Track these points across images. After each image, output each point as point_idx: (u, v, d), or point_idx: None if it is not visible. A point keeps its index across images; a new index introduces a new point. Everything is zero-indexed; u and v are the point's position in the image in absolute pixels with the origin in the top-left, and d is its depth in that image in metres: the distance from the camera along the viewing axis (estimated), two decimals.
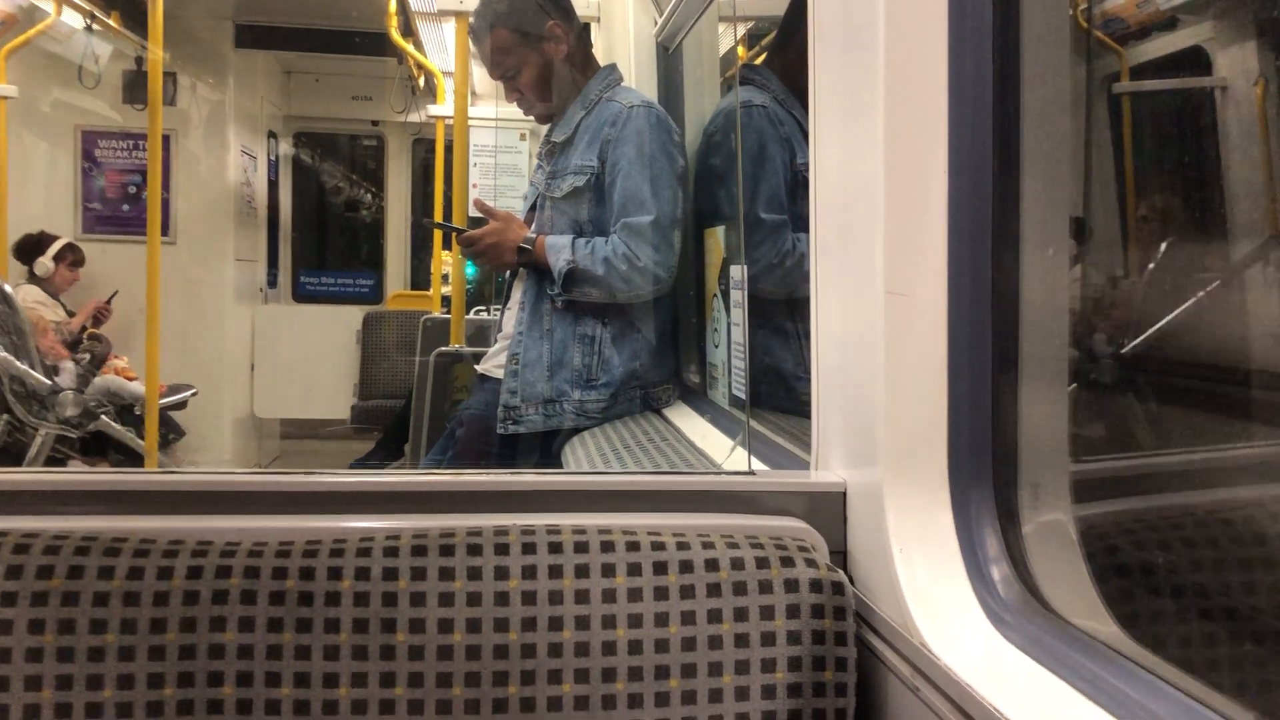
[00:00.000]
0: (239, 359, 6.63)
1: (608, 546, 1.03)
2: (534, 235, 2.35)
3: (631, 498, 1.15)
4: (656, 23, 2.87)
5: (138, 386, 4.99)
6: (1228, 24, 1.56)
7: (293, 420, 7.13)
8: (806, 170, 1.80)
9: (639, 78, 2.85)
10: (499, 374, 2.41)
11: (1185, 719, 0.77)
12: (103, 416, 4.72)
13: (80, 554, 0.99)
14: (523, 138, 5.62)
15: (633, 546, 1.04)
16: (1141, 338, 1.49)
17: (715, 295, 2.28)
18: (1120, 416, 1.33)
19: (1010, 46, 1.03)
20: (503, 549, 1.02)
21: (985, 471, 1.03)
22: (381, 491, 1.14)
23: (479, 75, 5.51)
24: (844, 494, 1.15)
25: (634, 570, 1.02)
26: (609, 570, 1.02)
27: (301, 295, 7.66)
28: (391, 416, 5.53)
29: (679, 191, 2.32)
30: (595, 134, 2.34)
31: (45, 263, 5.80)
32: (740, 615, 1.02)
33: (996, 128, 1.03)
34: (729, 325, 2.14)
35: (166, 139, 5.62)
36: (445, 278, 7.07)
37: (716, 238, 2.32)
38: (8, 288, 4.72)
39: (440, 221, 2.92)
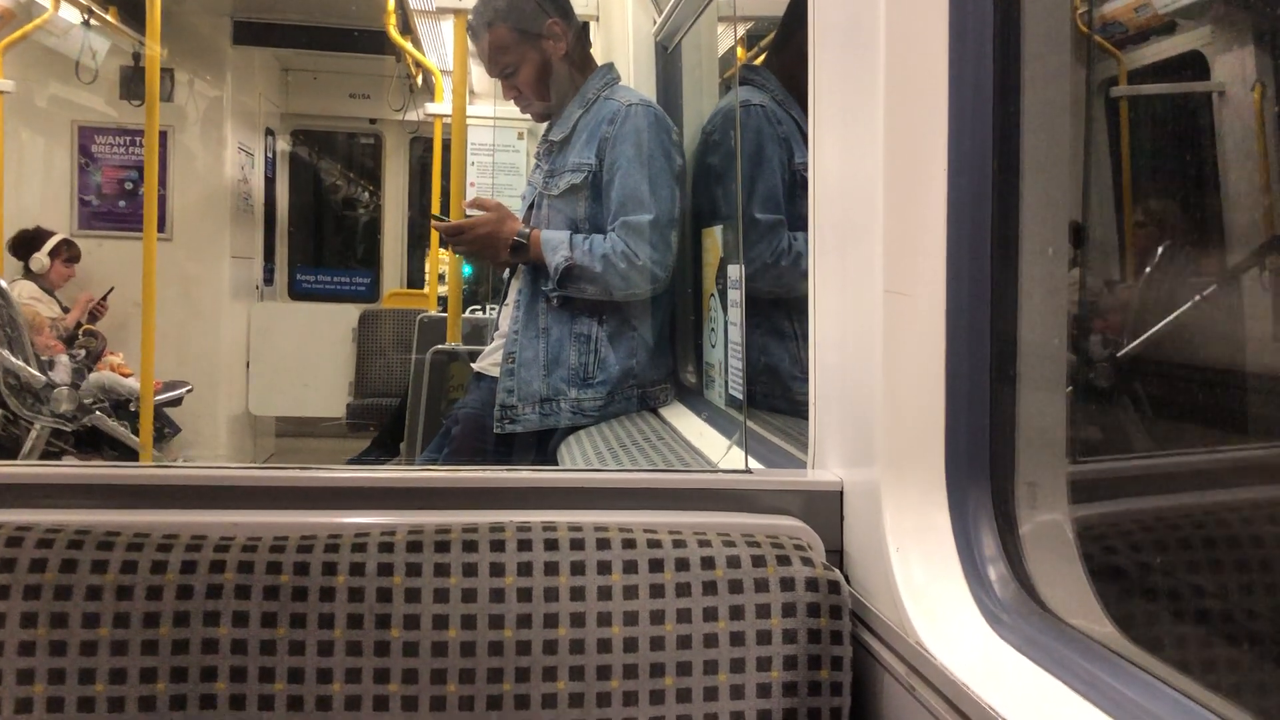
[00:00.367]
0: (234, 356, 6.63)
1: (604, 544, 1.03)
2: (528, 230, 2.34)
3: (628, 495, 1.15)
4: (655, 22, 2.87)
5: (133, 383, 4.99)
6: (1225, 29, 1.56)
7: (288, 418, 7.13)
8: (804, 170, 1.80)
9: (638, 77, 2.85)
10: (495, 372, 2.41)
11: (1181, 719, 0.77)
12: (97, 412, 4.72)
13: (74, 548, 0.99)
14: (520, 137, 5.62)
15: (629, 544, 1.04)
16: (1139, 340, 1.49)
17: (712, 294, 2.28)
18: (1117, 418, 1.33)
19: (1010, 48, 1.03)
20: (498, 545, 1.02)
21: (982, 471, 1.03)
22: (377, 487, 1.14)
23: (477, 74, 5.51)
24: (841, 493, 1.15)
25: (630, 568, 1.02)
26: (605, 567, 1.02)
27: (298, 293, 7.66)
28: (387, 415, 5.52)
29: (677, 191, 2.31)
30: (593, 132, 2.34)
31: (41, 258, 5.79)
32: (736, 613, 1.02)
33: (996, 128, 1.03)
34: (726, 324, 2.14)
35: (163, 135, 5.63)
36: (441, 277, 7.08)
37: (714, 237, 2.32)
38: (3, 283, 4.72)
39: (444, 217, 2.91)
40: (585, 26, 2.58)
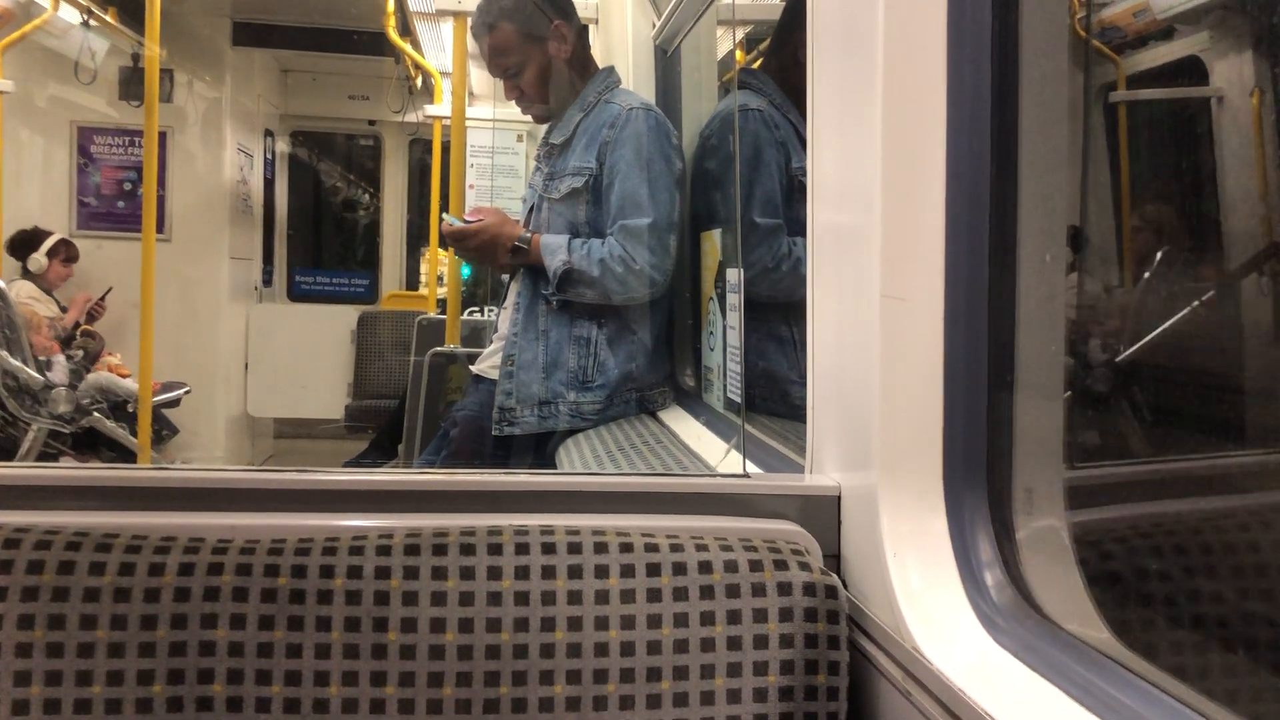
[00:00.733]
0: (233, 357, 6.63)
1: (601, 548, 1.03)
2: (529, 234, 2.34)
3: (625, 499, 1.15)
4: (655, 25, 2.87)
5: (131, 384, 4.99)
6: (1224, 34, 1.57)
7: (286, 419, 7.13)
8: (802, 175, 1.80)
9: (637, 80, 2.85)
10: (494, 375, 2.41)
11: None
12: (95, 413, 4.71)
13: (71, 549, 0.99)
14: (520, 139, 5.62)
15: (626, 548, 1.04)
16: (1137, 346, 1.49)
17: (711, 298, 2.28)
18: (1114, 423, 1.33)
19: (1009, 53, 1.04)
20: (496, 549, 1.02)
21: (980, 476, 1.03)
22: (375, 490, 1.14)
23: (477, 76, 5.51)
24: (838, 498, 1.15)
25: (627, 572, 1.02)
26: (602, 571, 1.02)
27: (296, 294, 7.65)
28: (385, 416, 5.52)
29: (676, 195, 2.32)
30: (593, 136, 2.34)
31: (39, 259, 5.79)
32: (733, 618, 1.02)
33: (995, 133, 1.03)
34: (725, 328, 2.14)
35: (162, 136, 5.62)
36: (439, 278, 7.09)
37: (712, 241, 2.32)
38: (1, 283, 4.71)
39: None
40: (585, 29, 2.58)
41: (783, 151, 2.18)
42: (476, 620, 0.99)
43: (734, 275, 2.09)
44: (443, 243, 2.75)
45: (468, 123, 4.15)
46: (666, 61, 2.85)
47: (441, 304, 5.34)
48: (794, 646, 1.02)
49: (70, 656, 0.96)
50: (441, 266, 6.02)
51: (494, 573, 1.01)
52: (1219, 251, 1.50)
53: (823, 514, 1.14)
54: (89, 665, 0.96)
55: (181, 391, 5.71)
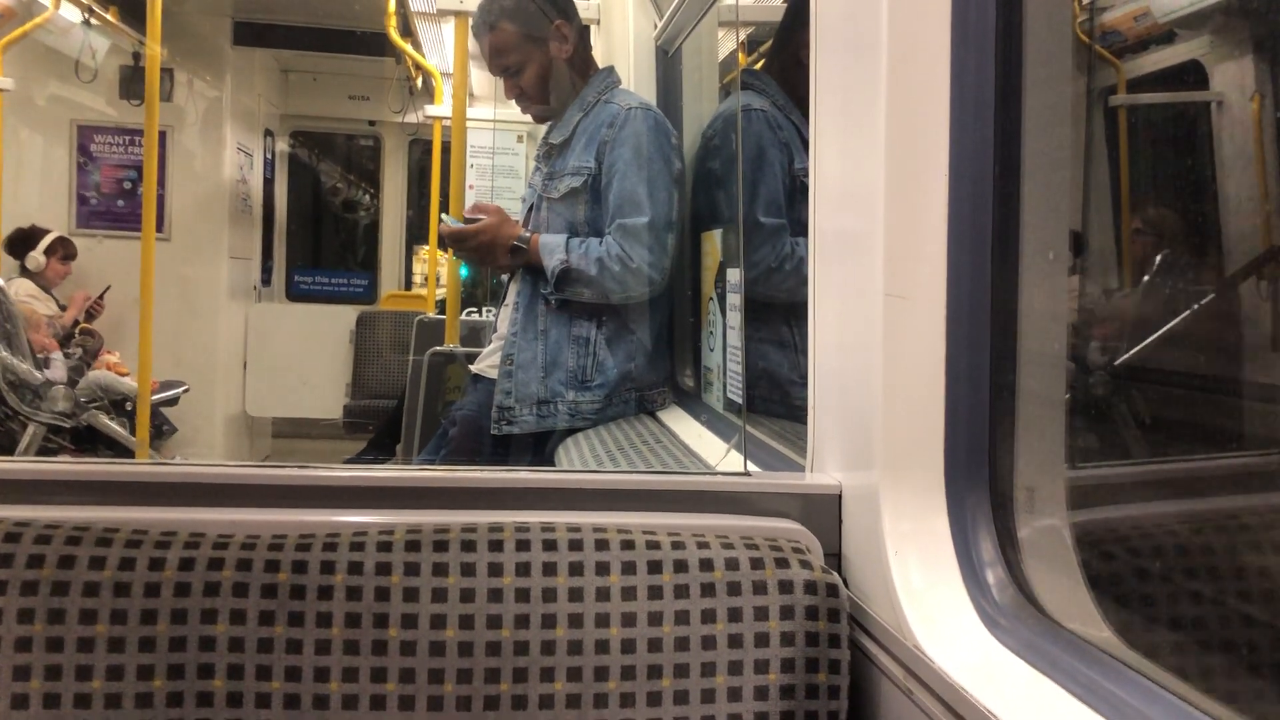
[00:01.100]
0: (232, 356, 6.62)
1: (602, 545, 1.03)
2: (528, 234, 2.35)
3: (627, 497, 1.15)
4: (656, 26, 2.87)
5: (129, 382, 4.98)
6: (1224, 39, 1.57)
7: (285, 419, 7.12)
8: (804, 175, 1.81)
9: (638, 81, 2.85)
10: (493, 374, 2.41)
11: None
12: (94, 410, 4.71)
13: (71, 544, 0.99)
14: (520, 140, 5.62)
15: (627, 545, 1.04)
16: (1138, 347, 1.49)
17: (711, 298, 2.28)
18: (1116, 424, 1.34)
19: (1012, 55, 1.04)
20: (497, 545, 1.02)
21: (981, 475, 1.03)
22: (376, 487, 1.14)
23: (477, 76, 5.51)
24: (839, 496, 1.15)
25: (628, 569, 1.02)
26: (603, 568, 1.02)
27: (295, 294, 7.65)
28: (384, 416, 5.52)
29: (675, 194, 2.32)
30: (593, 136, 2.34)
31: (37, 257, 5.79)
32: (734, 616, 1.02)
33: (997, 134, 1.04)
34: (725, 328, 2.14)
35: (163, 135, 5.62)
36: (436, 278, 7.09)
37: (713, 241, 2.32)
38: (1, 281, 4.71)
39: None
40: (586, 29, 2.58)
41: (786, 152, 2.19)
42: (477, 617, 0.99)
43: (735, 275, 2.09)
44: (442, 244, 2.74)
45: (468, 123, 4.14)
46: (668, 62, 2.86)
47: (441, 304, 5.35)
48: (795, 645, 1.02)
49: (70, 651, 0.96)
50: (440, 267, 6.02)
51: (495, 569, 1.01)
52: (1218, 255, 1.50)
53: (824, 512, 1.14)
54: (89, 660, 0.96)
55: (180, 390, 5.71)
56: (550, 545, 1.03)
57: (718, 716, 1.00)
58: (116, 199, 6.40)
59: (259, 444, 7.02)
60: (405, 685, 0.98)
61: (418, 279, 8.07)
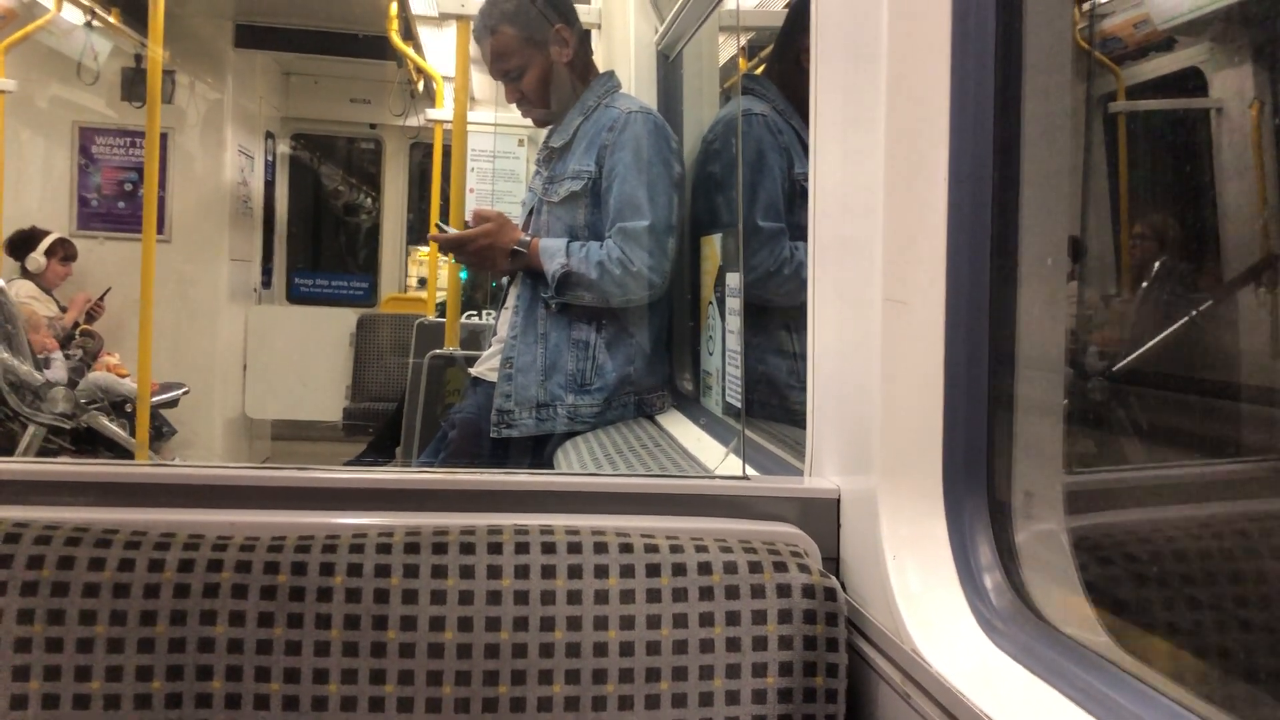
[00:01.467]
0: (232, 359, 6.62)
1: (601, 548, 1.04)
2: (528, 238, 2.35)
3: (626, 500, 1.15)
4: (657, 31, 2.87)
5: (129, 384, 4.98)
6: (1224, 46, 1.57)
7: (284, 421, 7.12)
8: (804, 180, 1.81)
9: (639, 85, 2.85)
10: (492, 377, 2.41)
11: None
12: (94, 412, 4.71)
13: (71, 545, 0.99)
14: (521, 143, 5.63)
15: (626, 548, 1.04)
16: (1136, 353, 1.49)
17: (710, 302, 2.28)
18: (1114, 430, 1.34)
19: (1012, 61, 1.04)
20: (496, 548, 1.02)
21: (979, 480, 1.03)
22: (376, 489, 1.14)
23: (478, 80, 5.51)
24: (838, 500, 1.15)
25: (626, 572, 1.02)
26: (602, 571, 1.02)
27: (296, 296, 7.66)
28: (384, 419, 5.52)
29: (675, 198, 2.32)
30: (593, 139, 2.34)
31: (37, 258, 5.79)
32: (732, 619, 1.02)
33: (997, 140, 1.04)
34: (724, 332, 2.14)
35: (164, 137, 5.62)
36: (422, 281, 7.08)
37: (713, 245, 2.32)
38: (1, 281, 4.71)
39: (450, 228, 2.93)
40: (587, 34, 2.59)
41: (785, 157, 2.19)
42: (476, 619, 0.99)
43: (734, 279, 2.09)
44: (443, 249, 2.75)
45: (469, 127, 4.15)
46: (669, 67, 2.86)
47: (441, 307, 5.35)
48: (793, 648, 1.03)
49: (69, 652, 0.96)
50: (440, 270, 6.02)
51: (494, 572, 1.01)
52: (1217, 261, 1.50)
53: (822, 517, 1.15)
54: (88, 660, 0.96)
55: (180, 392, 5.71)
56: (549, 548, 1.03)
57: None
58: (117, 201, 6.40)
59: (258, 446, 7.02)
60: (404, 687, 0.98)
61: (412, 281, 8.07)
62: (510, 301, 2.47)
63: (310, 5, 6.32)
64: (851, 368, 1.13)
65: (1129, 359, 1.48)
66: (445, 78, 5.96)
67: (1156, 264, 1.61)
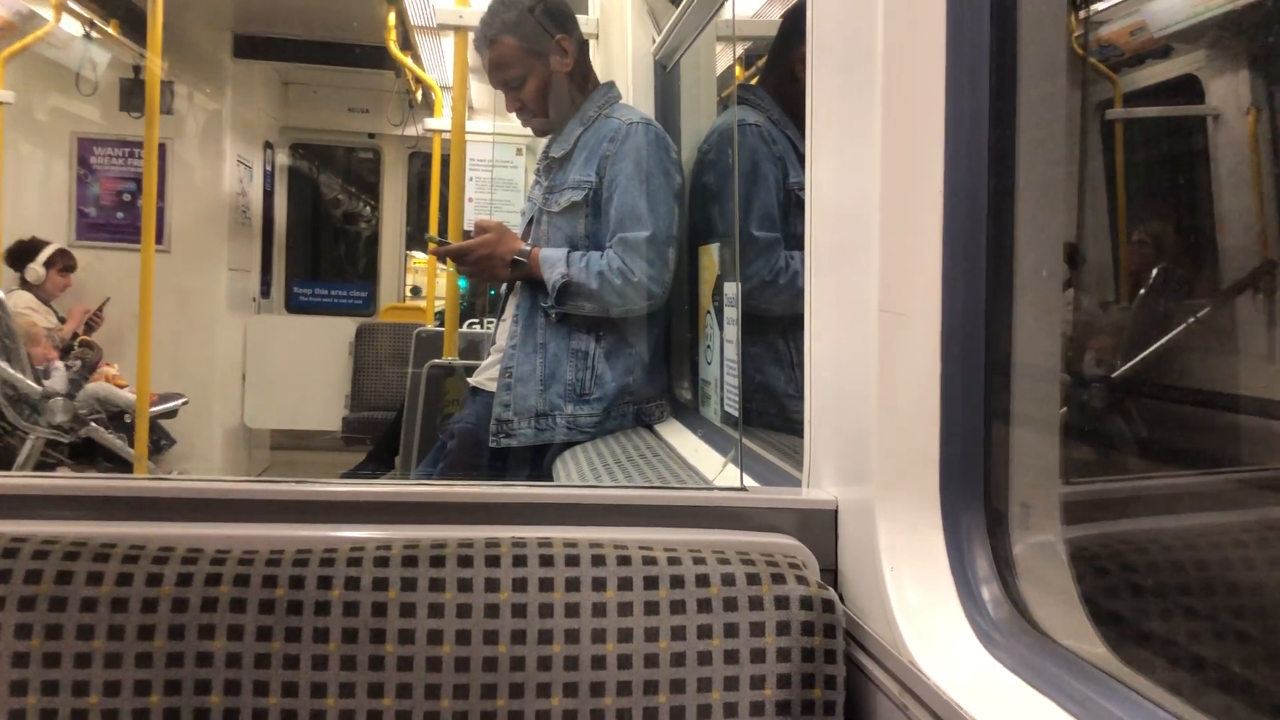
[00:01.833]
0: (231, 368, 6.62)
1: (599, 560, 1.03)
2: (528, 248, 2.35)
3: (623, 512, 1.15)
4: (655, 41, 2.88)
5: (128, 394, 4.98)
6: (1219, 53, 1.58)
7: (283, 431, 7.12)
8: (799, 189, 1.81)
9: (637, 95, 2.86)
10: (491, 387, 2.41)
11: None
12: (93, 423, 4.71)
13: (69, 559, 0.99)
14: (519, 153, 5.63)
15: (624, 561, 1.04)
16: (1133, 361, 1.49)
17: (709, 312, 2.28)
18: (1110, 439, 1.34)
19: (1007, 70, 1.04)
20: (493, 561, 1.02)
21: (976, 491, 1.03)
22: (373, 501, 1.14)
23: (477, 90, 5.52)
24: (835, 511, 1.15)
25: (624, 584, 1.02)
26: (599, 584, 1.02)
27: (295, 306, 7.65)
28: (383, 429, 5.52)
29: (675, 208, 2.33)
30: (594, 150, 2.35)
31: (36, 269, 5.79)
32: (730, 631, 1.02)
33: (992, 150, 1.04)
34: (722, 341, 2.14)
35: (162, 147, 5.62)
36: (417, 290, 7.07)
37: (710, 254, 2.33)
38: (0, 293, 4.72)
39: (445, 240, 2.94)
40: (586, 44, 2.59)
41: (780, 166, 2.20)
42: (474, 632, 0.99)
43: (731, 289, 2.09)
44: (442, 259, 2.75)
45: (467, 136, 4.15)
46: (666, 77, 2.87)
47: (440, 316, 5.35)
48: (791, 661, 1.02)
49: (67, 667, 0.96)
50: (438, 278, 6.02)
51: (491, 585, 1.01)
52: (1214, 268, 1.50)
53: (820, 528, 1.15)
54: (85, 675, 0.96)
55: (179, 402, 5.71)
56: (547, 560, 1.03)
57: None
58: (116, 211, 6.40)
59: (257, 456, 7.02)
60: (402, 701, 0.98)
61: (406, 290, 8.07)
62: (509, 311, 2.47)
63: (309, 15, 6.33)
64: (848, 378, 1.13)
65: (1126, 367, 1.48)
66: (444, 87, 5.97)
67: (1153, 271, 1.61)
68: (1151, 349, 1.52)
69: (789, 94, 2.28)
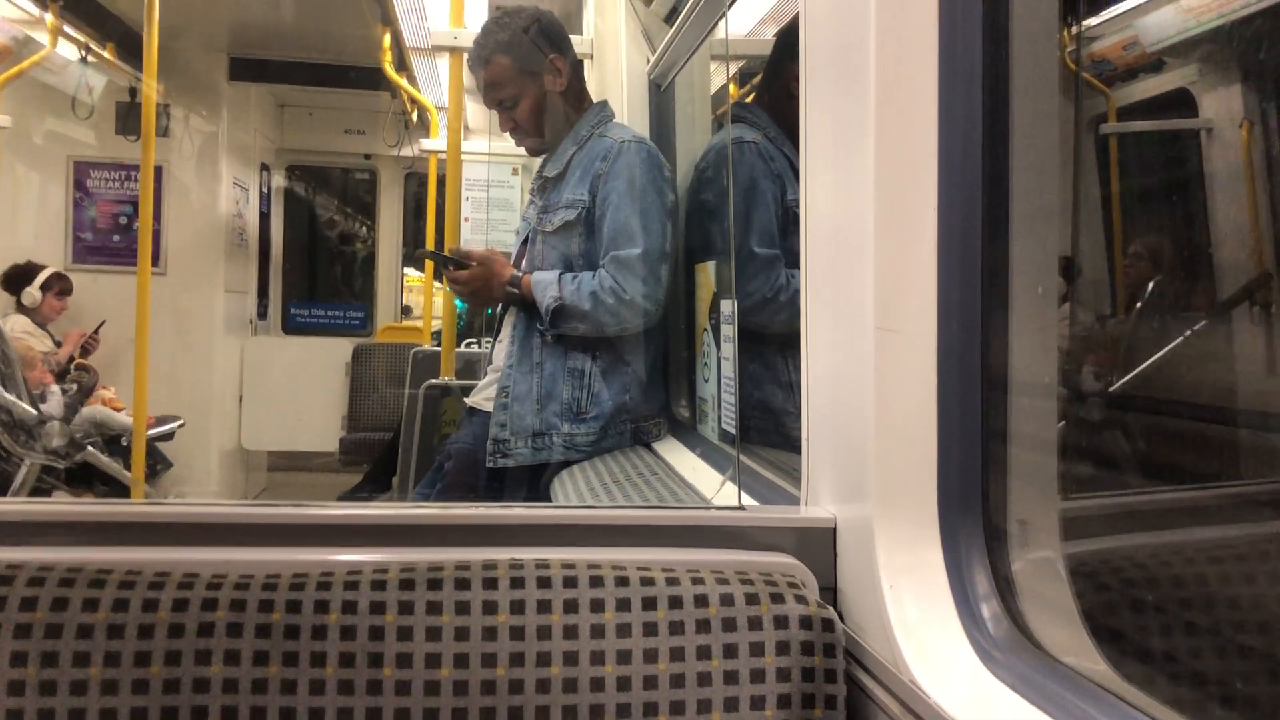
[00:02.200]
0: (227, 390, 6.62)
1: (596, 581, 1.03)
2: (519, 275, 2.36)
3: (621, 532, 1.14)
4: (649, 61, 2.89)
5: (125, 417, 4.97)
6: (1212, 67, 1.58)
7: (281, 453, 7.10)
8: (797, 206, 1.81)
9: (631, 114, 2.87)
10: (488, 407, 2.41)
11: None
12: (89, 447, 4.69)
13: (65, 586, 0.98)
14: (515, 173, 5.64)
15: (622, 582, 1.03)
16: (1130, 375, 1.49)
17: (705, 330, 2.28)
18: (1109, 454, 1.33)
19: (1000, 85, 1.05)
20: (491, 583, 1.02)
21: (975, 508, 1.03)
22: (370, 524, 1.13)
23: (472, 110, 5.54)
24: (834, 529, 1.14)
25: (623, 605, 1.02)
26: (598, 605, 1.02)
27: (291, 327, 7.65)
28: (380, 449, 5.51)
29: (668, 226, 2.33)
30: (587, 169, 2.35)
31: (33, 292, 5.79)
32: (729, 652, 1.02)
33: (986, 166, 1.04)
34: (719, 359, 2.14)
35: (159, 170, 5.64)
36: (408, 310, 7.06)
37: (707, 272, 2.33)
38: None
39: (435, 250, 2.95)
40: (580, 64, 2.60)
41: (779, 183, 2.20)
42: (472, 655, 0.99)
43: (728, 307, 2.09)
44: (437, 274, 2.76)
45: (463, 157, 4.16)
46: (661, 96, 2.88)
47: (437, 336, 5.35)
48: (791, 680, 1.02)
49: (63, 694, 0.95)
50: (435, 297, 6.03)
51: (489, 607, 1.00)
52: (1210, 282, 1.50)
53: (819, 546, 1.14)
54: (82, 703, 0.95)
55: (175, 425, 5.70)
56: (545, 582, 1.02)
57: None
58: (112, 234, 6.41)
59: (254, 478, 7.00)
60: None
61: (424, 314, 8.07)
62: (505, 331, 2.47)
63: (304, 38, 6.36)
64: (845, 396, 1.13)
65: (1123, 382, 1.48)
66: (439, 108, 5.99)
67: (1150, 285, 1.61)
68: (1148, 363, 1.52)
69: (785, 111, 2.28)
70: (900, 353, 1.03)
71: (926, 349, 1.03)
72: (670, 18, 2.71)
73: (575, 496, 2.04)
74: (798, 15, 1.25)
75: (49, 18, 5.27)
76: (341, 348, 7.00)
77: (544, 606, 1.01)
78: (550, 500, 2.20)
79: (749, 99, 2.68)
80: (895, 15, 1.04)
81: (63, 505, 1.12)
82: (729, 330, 2.07)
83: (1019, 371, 1.02)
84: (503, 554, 1.06)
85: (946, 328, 1.03)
